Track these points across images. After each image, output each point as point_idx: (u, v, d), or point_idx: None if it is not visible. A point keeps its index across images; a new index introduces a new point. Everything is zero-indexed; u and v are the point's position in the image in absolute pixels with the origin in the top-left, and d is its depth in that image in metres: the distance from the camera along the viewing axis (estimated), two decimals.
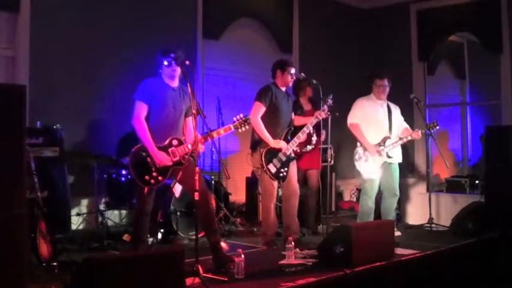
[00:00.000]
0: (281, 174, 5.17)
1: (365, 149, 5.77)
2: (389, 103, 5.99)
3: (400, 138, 5.83)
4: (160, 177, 4.26)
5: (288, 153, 5.18)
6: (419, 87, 8.50)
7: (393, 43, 8.76)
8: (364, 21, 9.11)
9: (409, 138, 5.83)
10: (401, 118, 6.06)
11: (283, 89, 5.34)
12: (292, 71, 5.30)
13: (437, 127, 6.02)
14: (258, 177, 5.36)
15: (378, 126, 5.83)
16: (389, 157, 5.75)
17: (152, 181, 4.24)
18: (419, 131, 5.84)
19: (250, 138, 5.35)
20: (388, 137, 5.80)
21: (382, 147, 5.73)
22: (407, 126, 6.03)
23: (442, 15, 8.28)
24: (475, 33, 8.15)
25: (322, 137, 5.71)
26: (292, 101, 5.48)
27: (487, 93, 9.27)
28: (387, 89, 5.92)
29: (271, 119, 5.18)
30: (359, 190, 8.18)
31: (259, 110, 5.14)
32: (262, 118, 5.15)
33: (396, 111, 6.02)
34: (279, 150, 5.14)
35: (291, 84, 5.40)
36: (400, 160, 5.96)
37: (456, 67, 9.75)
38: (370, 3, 9.02)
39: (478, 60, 9.36)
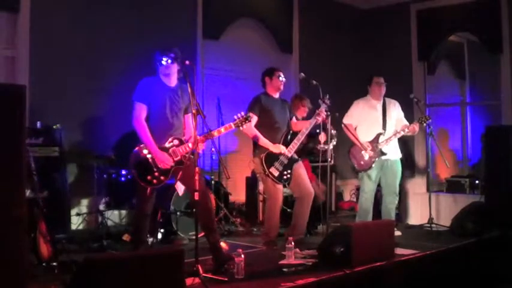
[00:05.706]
0: (284, 177, 5.18)
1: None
2: (387, 99, 6.02)
3: (395, 133, 5.84)
4: (162, 177, 4.26)
5: (290, 156, 5.18)
6: (419, 87, 8.49)
7: (393, 43, 8.75)
8: (364, 21, 9.11)
9: (406, 131, 5.81)
10: (401, 114, 6.05)
11: (276, 95, 5.36)
12: (280, 74, 5.31)
13: (429, 120, 6.01)
14: (262, 181, 5.38)
15: (372, 125, 5.88)
16: (383, 153, 5.77)
17: (154, 181, 4.24)
18: (416, 125, 5.83)
19: (250, 140, 5.38)
20: (381, 134, 5.84)
21: (375, 144, 5.77)
22: (407, 123, 5.98)
23: (442, 15, 8.27)
24: (475, 33, 8.14)
25: (323, 139, 5.69)
26: (288, 106, 5.51)
27: (487, 93, 9.27)
28: (383, 87, 5.96)
29: (266, 126, 5.21)
30: (359, 190, 8.21)
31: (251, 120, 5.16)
32: (258, 126, 5.19)
33: (393, 107, 6.02)
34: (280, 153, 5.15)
35: (282, 88, 5.36)
36: (399, 156, 5.96)
37: (456, 67, 9.73)
38: (370, 3, 9.01)
39: (478, 60, 9.35)
